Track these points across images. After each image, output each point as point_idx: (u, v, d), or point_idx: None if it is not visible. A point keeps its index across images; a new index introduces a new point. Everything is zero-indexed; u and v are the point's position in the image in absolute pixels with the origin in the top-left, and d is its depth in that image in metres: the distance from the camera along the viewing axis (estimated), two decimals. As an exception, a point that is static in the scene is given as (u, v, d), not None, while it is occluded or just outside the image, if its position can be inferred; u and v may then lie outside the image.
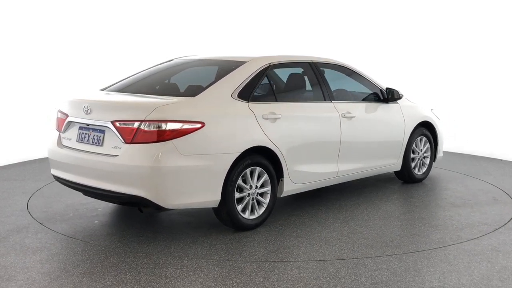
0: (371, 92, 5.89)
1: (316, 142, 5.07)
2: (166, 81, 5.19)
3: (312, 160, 5.04)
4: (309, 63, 5.39)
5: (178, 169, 4.05)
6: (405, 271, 3.67)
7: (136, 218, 4.89)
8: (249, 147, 4.43)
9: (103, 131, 4.29)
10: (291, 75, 5.39)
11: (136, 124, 4.06)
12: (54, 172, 4.78)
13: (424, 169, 6.53)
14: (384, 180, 6.56)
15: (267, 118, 4.62)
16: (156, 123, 4.03)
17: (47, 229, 4.56)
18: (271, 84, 4.99)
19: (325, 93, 5.33)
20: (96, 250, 4.08)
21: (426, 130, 6.42)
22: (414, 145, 6.27)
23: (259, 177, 4.57)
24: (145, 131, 4.03)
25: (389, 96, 5.90)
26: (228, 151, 4.30)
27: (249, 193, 4.50)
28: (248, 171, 4.47)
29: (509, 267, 3.77)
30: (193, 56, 5.80)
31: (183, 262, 3.83)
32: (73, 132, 4.57)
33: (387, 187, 6.21)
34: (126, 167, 4.06)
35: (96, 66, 9.37)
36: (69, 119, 4.60)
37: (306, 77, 5.44)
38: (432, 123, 6.48)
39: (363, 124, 5.58)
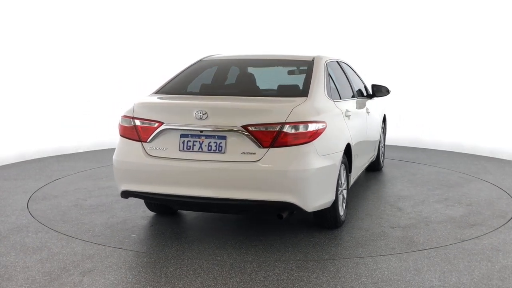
0: (357, 88, 6.05)
1: (363, 138, 5.39)
2: (241, 82, 4.96)
3: (358, 155, 5.23)
4: (337, 61, 5.52)
5: (319, 170, 3.97)
6: (405, 270, 3.67)
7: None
8: (346, 144, 4.50)
9: (223, 137, 3.95)
10: (333, 73, 5.34)
11: (277, 128, 3.87)
12: (133, 187, 4.18)
13: (382, 158, 7.05)
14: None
15: (347, 116, 4.74)
16: (297, 125, 3.90)
17: (47, 228, 4.55)
18: (334, 83, 4.97)
19: (353, 90, 5.57)
20: (96, 249, 4.07)
21: (382, 123, 6.94)
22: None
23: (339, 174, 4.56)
24: (288, 134, 3.87)
25: (375, 92, 6.17)
26: (339, 149, 4.32)
27: (341, 191, 4.53)
28: (341, 168, 4.47)
29: (509, 266, 3.77)
30: (234, 54, 5.62)
31: (183, 261, 3.82)
32: (170, 140, 4.07)
33: (362, 178, 6.33)
34: (272, 173, 3.82)
35: (94, 67, 9.36)
36: (164, 126, 4.07)
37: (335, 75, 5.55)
38: (386, 116, 7.10)
39: (371, 119, 5.94)
